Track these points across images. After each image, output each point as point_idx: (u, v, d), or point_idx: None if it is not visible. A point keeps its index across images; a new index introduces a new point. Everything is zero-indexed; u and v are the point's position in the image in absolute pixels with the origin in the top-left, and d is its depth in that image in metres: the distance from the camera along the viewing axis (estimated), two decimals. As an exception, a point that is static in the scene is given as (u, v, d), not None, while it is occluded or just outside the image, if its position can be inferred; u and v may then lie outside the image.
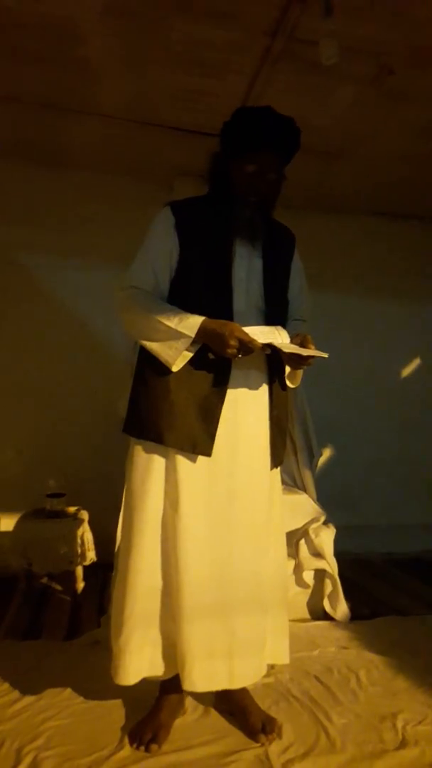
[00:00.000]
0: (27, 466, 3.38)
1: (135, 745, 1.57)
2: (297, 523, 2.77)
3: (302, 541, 2.59)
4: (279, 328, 1.59)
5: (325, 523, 2.72)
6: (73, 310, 3.48)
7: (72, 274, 3.48)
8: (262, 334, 1.53)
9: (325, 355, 1.50)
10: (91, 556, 2.77)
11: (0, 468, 3.40)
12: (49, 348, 3.48)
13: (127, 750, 1.56)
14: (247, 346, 1.46)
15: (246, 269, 1.67)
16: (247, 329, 1.50)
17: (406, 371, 4.28)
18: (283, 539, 1.82)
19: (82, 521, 2.80)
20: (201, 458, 1.58)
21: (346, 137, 3.10)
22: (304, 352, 1.50)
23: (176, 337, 1.53)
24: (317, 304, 4.03)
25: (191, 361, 1.58)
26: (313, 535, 2.59)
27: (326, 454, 3.82)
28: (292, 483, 3.11)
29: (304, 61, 2.40)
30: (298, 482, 3.09)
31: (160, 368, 1.59)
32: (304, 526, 2.72)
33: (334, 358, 4.15)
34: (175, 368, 1.56)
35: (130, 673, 1.55)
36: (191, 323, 1.53)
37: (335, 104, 2.76)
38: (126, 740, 1.60)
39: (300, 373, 1.71)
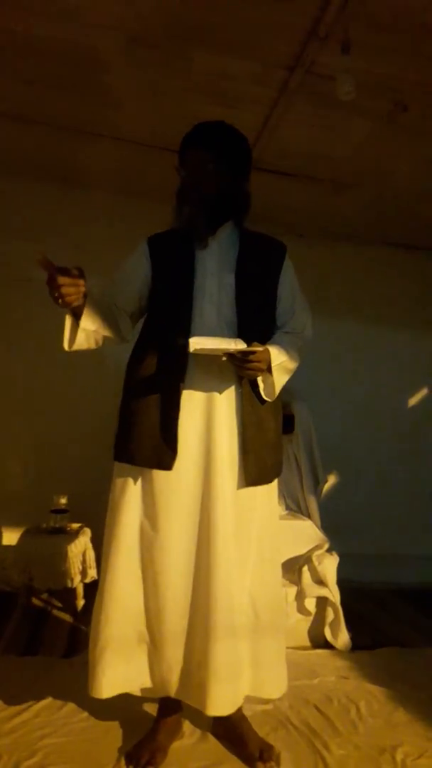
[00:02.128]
0: (32, 481, 3.39)
1: (132, 767, 1.56)
2: (300, 550, 2.77)
3: (305, 568, 2.58)
4: (238, 340, 1.55)
5: (328, 550, 2.71)
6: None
7: (84, 293, 3.53)
8: (213, 343, 1.52)
9: (239, 347, 1.48)
10: (92, 573, 2.77)
11: (5, 483, 3.42)
12: (58, 364, 3.50)
13: (123, 771, 1.55)
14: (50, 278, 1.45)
15: (217, 284, 1.70)
16: (200, 339, 1.50)
17: (413, 401, 4.29)
18: (275, 564, 1.74)
19: (84, 538, 2.80)
20: (176, 476, 1.59)
21: (360, 170, 3.16)
22: (210, 343, 1.48)
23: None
24: (326, 331, 4.09)
25: (154, 382, 1.62)
26: (316, 562, 2.58)
27: (331, 481, 3.81)
28: (296, 509, 3.10)
29: (320, 95, 2.47)
30: (302, 508, 3.08)
31: (134, 391, 1.66)
32: (307, 552, 2.71)
33: (342, 385, 4.19)
34: (65, 346, 1.60)
35: (102, 688, 1.56)
36: None
37: (350, 138, 2.83)
38: (123, 761, 1.59)
39: (272, 384, 1.65)
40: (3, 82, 2.57)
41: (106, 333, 1.66)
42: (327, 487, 3.51)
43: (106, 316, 1.65)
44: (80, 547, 2.76)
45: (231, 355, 1.50)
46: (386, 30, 2.07)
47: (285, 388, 3.45)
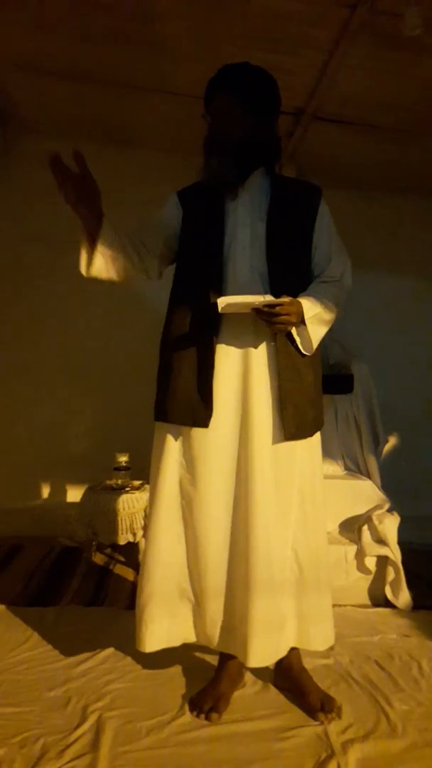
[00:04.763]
0: (95, 440, 3.47)
1: (195, 713, 1.60)
2: (359, 509, 2.75)
3: (365, 527, 2.56)
4: (267, 295, 1.50)
5: (389, 510, 2.67)
6: (135, 289, 3.51)
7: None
8: (241, 299, 1.48)
9: (262, 299, 1.44)
10: (153, 529, 2.83)
11: (70, 443, 3.53)
12: (118, 326, 3.55)
13: (187, 717, 1.60)
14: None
15: (249, 235, 1.64)
16: (229, 297, 1.47)
17: None
18: (319, 519, 1.70)
19: (144, 494, 2.86)
20: (214, 433, 1.59)
21: (426, 115, 2.98)
22: (239, 300, 1.45)
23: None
24: (388, 289, 3.95)
25: (188, 340, 1.61)
26: (376, 522, 2.55)
27: (392, 442, 3.73)
28: (355, 469, 3.07)
29: (383, 35, 2.32)
30: (362, 468, 3.05)
31: (169, 350, 1.66)
32: (367, 512, 2.69)
33: (404, 344, 4.06)
34: (82, 270, 1.53)
35: (145, 641, 1.61)
36: None
37: (415, 81, 2.67)
38: (186, 707, 1.64)
39: (308, 336, 1.58)
40: (58, 40, 2.54)
41: (126, 263, 1.57)
42: (387, 448, 3.45)
43: (127, 246, 1.57)
44: (141, 503, 2.82)
45: (257, 310, 1.46)
46: None
47: (344, 348, 3.38)
